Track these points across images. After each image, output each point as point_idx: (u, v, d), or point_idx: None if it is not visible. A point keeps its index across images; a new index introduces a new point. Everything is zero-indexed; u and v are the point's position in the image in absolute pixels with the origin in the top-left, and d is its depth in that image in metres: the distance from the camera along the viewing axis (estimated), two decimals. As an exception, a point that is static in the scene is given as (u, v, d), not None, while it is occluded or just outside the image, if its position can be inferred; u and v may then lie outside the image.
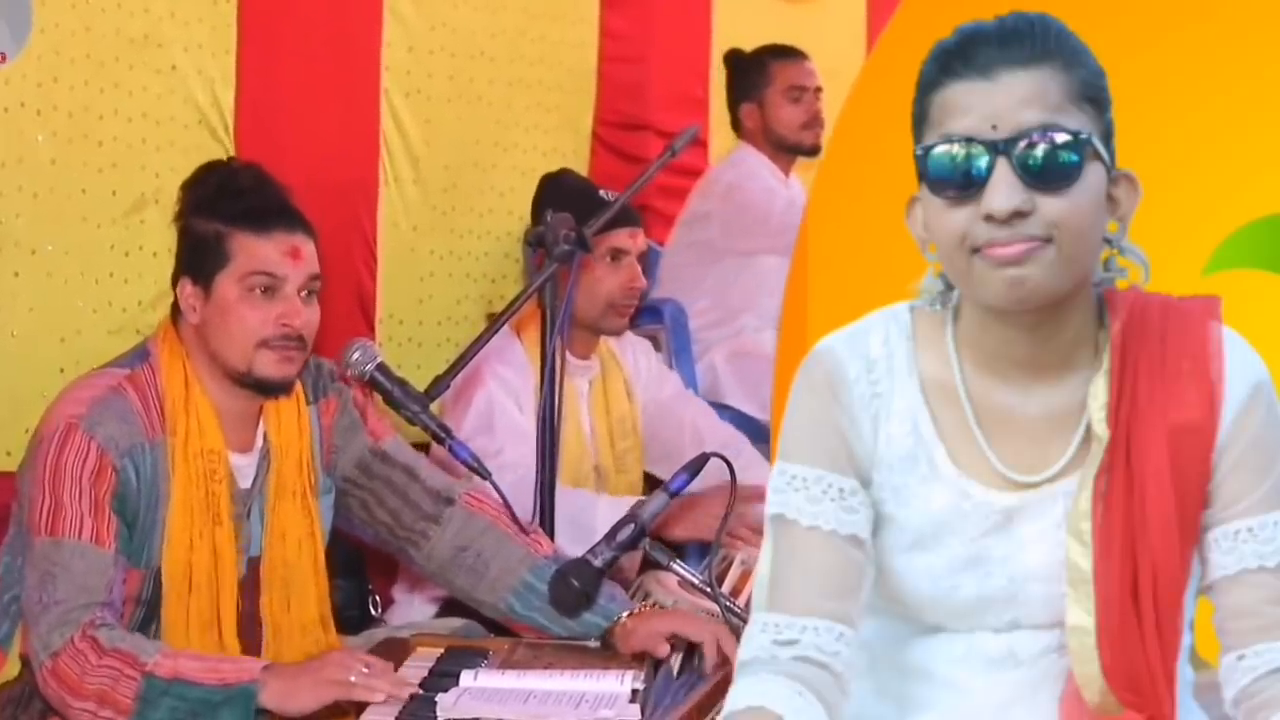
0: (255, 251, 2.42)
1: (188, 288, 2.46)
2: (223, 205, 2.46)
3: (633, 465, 3.54)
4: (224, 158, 2.63)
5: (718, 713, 2.24)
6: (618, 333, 3.55)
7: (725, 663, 2.35)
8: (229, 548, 2.46)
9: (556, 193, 3.48)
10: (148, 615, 2.42)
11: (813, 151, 4.48)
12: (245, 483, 2.51)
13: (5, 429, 3.21)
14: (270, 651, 2.50)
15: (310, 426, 2.59)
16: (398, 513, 2.61)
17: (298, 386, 2.59)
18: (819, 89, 4.46)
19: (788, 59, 4.46)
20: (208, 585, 2.44)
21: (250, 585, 2.51)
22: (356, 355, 2.54)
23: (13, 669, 2.47)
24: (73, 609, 2.26)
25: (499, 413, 3.26)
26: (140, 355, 2.50)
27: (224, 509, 2.45)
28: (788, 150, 4.47)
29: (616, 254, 3.42)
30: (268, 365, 2.44)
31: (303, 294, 2.45)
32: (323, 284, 2.51)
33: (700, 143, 4.57)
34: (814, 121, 4.45)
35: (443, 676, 2.27)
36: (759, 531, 3.17)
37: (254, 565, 2.52)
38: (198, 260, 2.46)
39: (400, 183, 4.14)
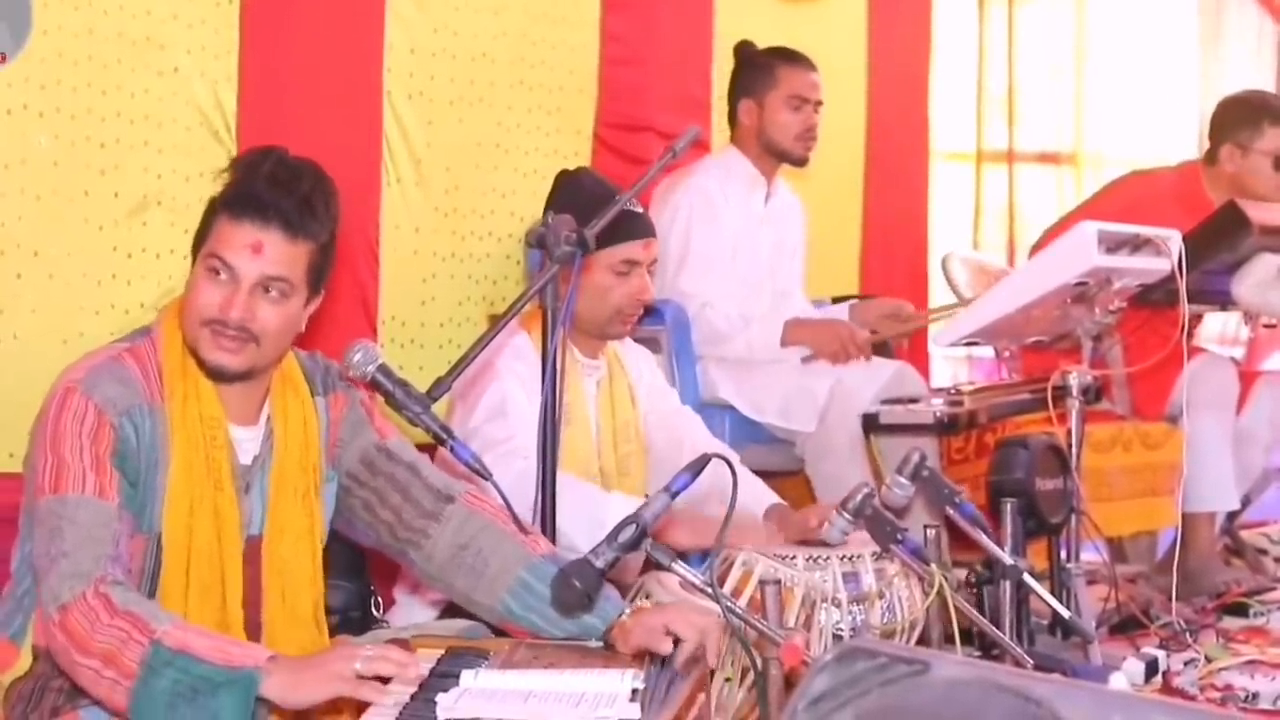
0: (221, 235, 2.43)
1: (192, 259, 2.50)
2: (232, 187, 2.47)
3: (636, 469, 3.54)
4: (276, 146, 2.58)
5: (699, 709, 2.26)
6: (620, 338, 3.56)
7: (698, 660, 2.35)
8: (232, 515, 2.46)
9: (569, 191, 3.46)
10: (151, 587, 2.41)
11: (800, 162, 4.47)
12: (246, 458, 2.51)
13: (8, 430, 3.22)
14: (266, 642, 2.48)
15: (317, 418, 2.60)
16: (400, 510, 2.61)
17: (301, 382, 2.59)
18: (819, 103, 4.43)
19: (796, 65, 4.43)
20: (209, 550, 2.44)
21: (248, 563, 2.50)
22: (358, 356, 2.54)
23: (23, 664, 2.47)
24: (83, 561, 2.26)
25: (511, 402, 3.27)
26: (142, 332, 2.53)
27: (225, 476, 2.46)
28: (776, 155, 4.46)
29: (629, 265, 3.40)
30: (207, 347, 2.44)
31: (260, 289, 2.44)
32: (303, 292, 2.48)
33: (702, 144, 4.58)
34: (808, 134, 4.42)
35: (443, 677, 2.26)
36: (759, 535, 3.21)
37: (253, 543, 2.52)
38: (198, 234, 2.49)
39: (402, 184, 4.15)
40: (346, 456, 2.63)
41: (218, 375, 2.47)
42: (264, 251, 2.42)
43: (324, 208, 2.50)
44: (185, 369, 2.46)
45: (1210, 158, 4.78)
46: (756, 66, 4.45)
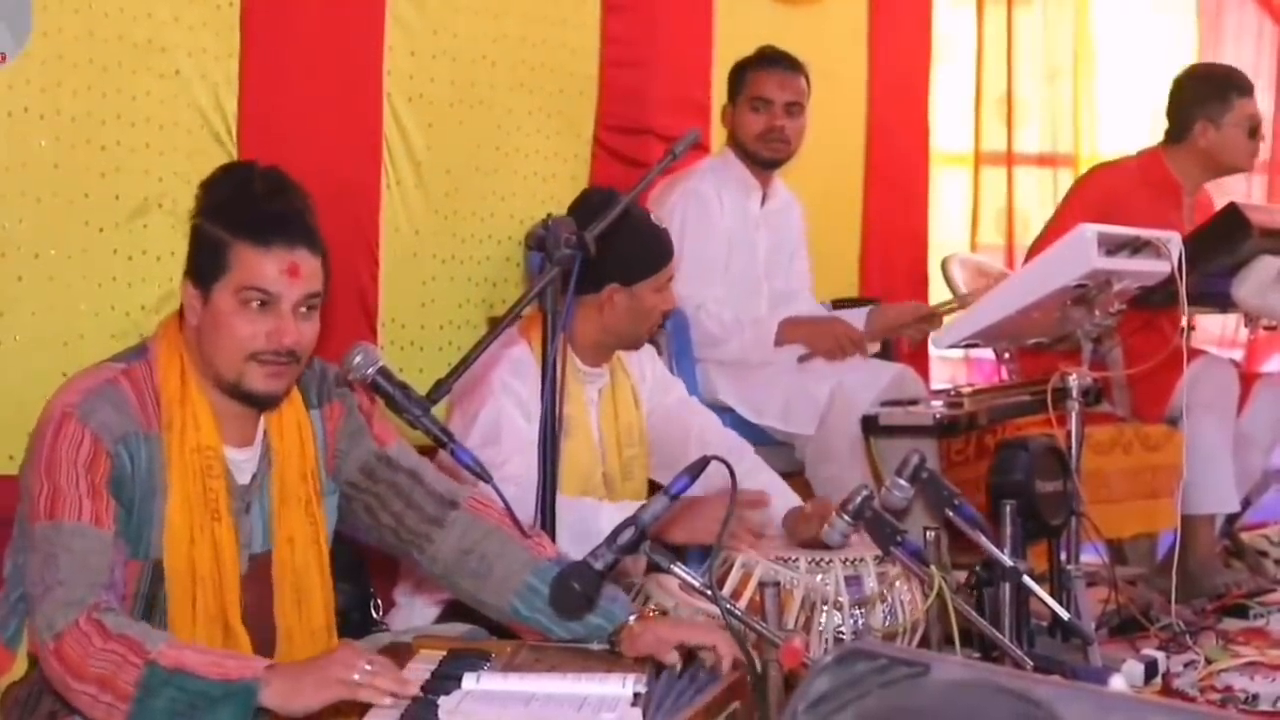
0: (252, 266, 2.40)
1: (190, 289, 2.46)
2: (231, 211, 2.43)
3: (638, 472, 3.54)
4: (246, 160, 2.59)
5: (729, 715, 2.25)
6: (639, 346, 3.57)
7: (737, 667, 2.35)
8: (230, 543, 2.46)
9: (580, 201, 3.47)
10: (147, 610, 2.41)
11: (769, 164, 4.45)
12: (243, 478, 2.51)
13: (8, 433, 3.22)
14: (283, 656, 2.49)
15: (314, 432, 2.59)
16: (401, 516, 2.61)
17: (296, 393, 2.59)
18: (794, 103, 4.40)
19: (764, 68, 4.43)
20: (210, 579, 2.44)
21: (253, 581, 2.50)
22: (358, 359, 2.53)
23: (19, 669, 2.47)
24: (77, 589, 2.25)
25: (506, 425, 3.25)
26: (139, 352, 2.50)
27: (223, 505, 2.45)
28: (748, 158, 4.46)
29: (669, 280, 3.44)
30: (256, 379, 2.43)
31: (300, 310, 2.44)
32: (326, 298, 2.50)
33: (701, 146, 4.57)
34: (771, 134, 4.38)
35: (445, 679, 2.26)
36: (759, 535, 3.21)
37: (256, 562, 2.51)
38: (201, 264, 2.45)
39: (402, 187, 4.15)
40: (346, 466, 2.63)
41: (264, 403, 2.48)
42: (300, 272, 2.41)
43: (314, 213, 2.49)
44: (184, 396, 2.44)
45: (1173, 137, 4.78)
46: (735, 72, 4.47)
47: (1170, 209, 4.68)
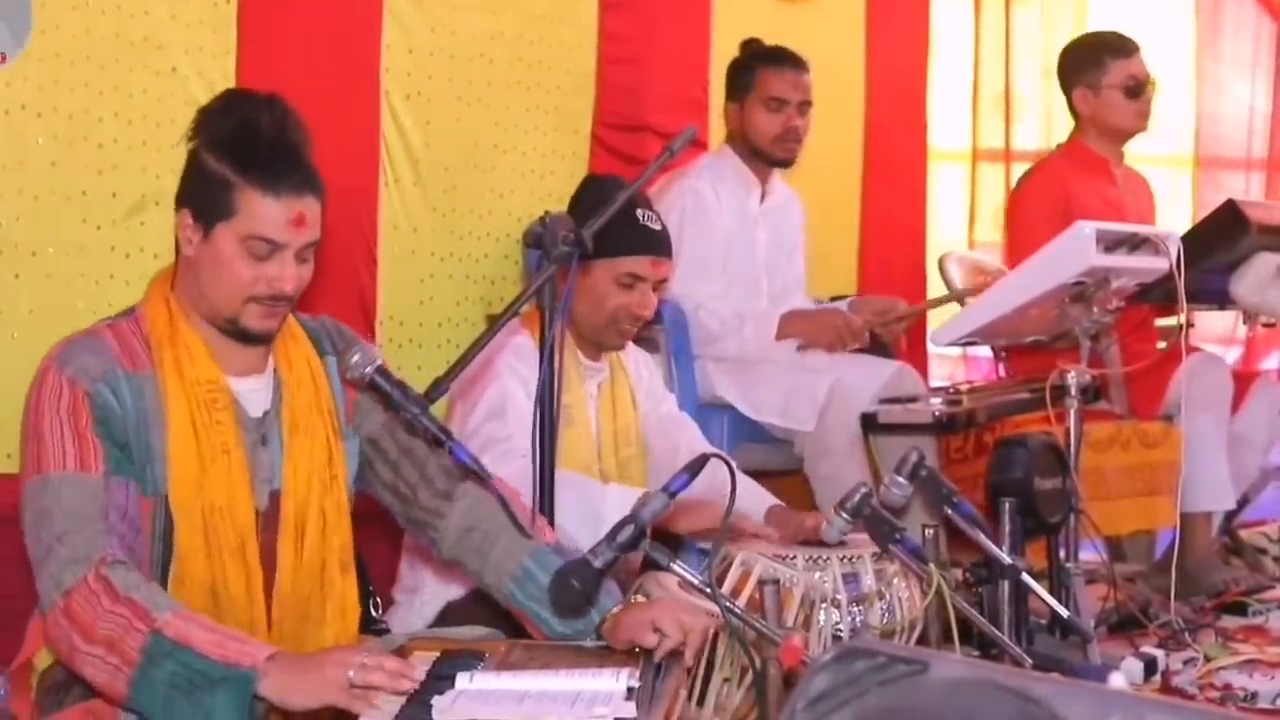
0: (260, 213, 2.37)
1: (188, 220, 2.43)
2: (238, 149, 2.40)
3: (636, 473, 3.52)
4: (245, 89, 2.55)
5: (680, 707, 2.25)
6: (616, 349, 3.53)
7: (678, 656, 2.35)
8: (242, 479, 2.44)
9: (585, 193, 3.45)
10: (165, 551, 2.39)
11: (781, 164, 4.44)
12: (256, 411, 2.48)
13: (6, 431, 3.22)
14: (279, 587, 2.48)
15: (326, 374, 2.57)
16: (415, 489, 2.60)
17: (301, 334, 2.58)
18: (805, 103, 4.38)
19: (777, 67, 4.39)
20: (227, 514, 2.42)
21: (273, 518, 2.48)
22: (356, 358, 2.53)
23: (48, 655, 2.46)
24: (80, 545, 2.24)
25: (511, 402, 3.25)
26: (125, 312, 2.50)
27: (231, 438, 2.43)
28: (758, 157, 4.44)
29: (632, 278, 3.38)
30: (253, 319, 2.43)
31: (301, 255, 2.43)
32: (323, 240, 2.47)
33: (699, 143, 4.57)
34: (788, 135, 4.37)
35: (439, 680, 2.26)
36: (760, 533, 3.21)
37: (276, 498, 2.49)
38: (203, 198, 2.41)
39: (400, 184, 4.15)
40: (369, 422, 2.60)
41: (258, 340, 2.46)
42: (306, 221, 2.41)
43: (313, 147, 2.47)
44: (174, 336, 2.43)
45: (1072, 114, 4.78)
46: (740, 69, 4.44)
47: (1106, 185, 4.71)
